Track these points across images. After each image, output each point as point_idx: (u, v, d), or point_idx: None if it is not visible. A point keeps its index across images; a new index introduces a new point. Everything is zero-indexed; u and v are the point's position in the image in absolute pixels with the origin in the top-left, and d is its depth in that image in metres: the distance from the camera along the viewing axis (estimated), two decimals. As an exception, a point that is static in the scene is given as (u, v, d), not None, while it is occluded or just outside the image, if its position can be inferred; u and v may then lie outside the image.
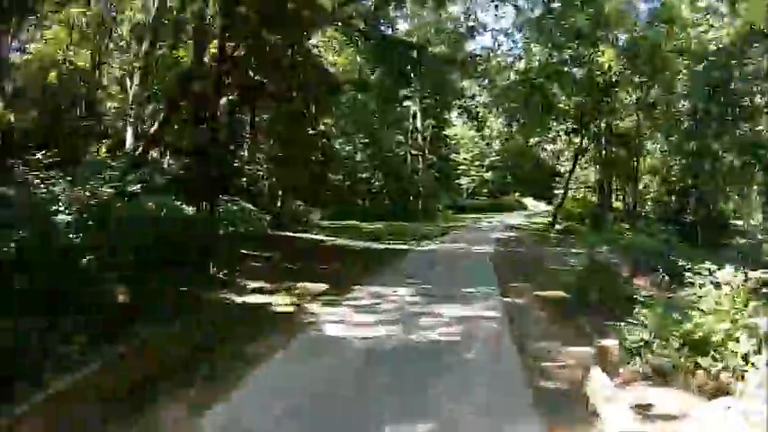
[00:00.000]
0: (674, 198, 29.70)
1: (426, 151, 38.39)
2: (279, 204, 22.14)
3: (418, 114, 37.36)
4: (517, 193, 54.82)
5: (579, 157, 28.26)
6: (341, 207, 33.32)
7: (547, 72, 25.34)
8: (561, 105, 26.49)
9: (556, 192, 76.36)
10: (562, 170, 34.66)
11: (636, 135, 26.87)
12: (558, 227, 28.51)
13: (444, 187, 50.89)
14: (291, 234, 18.84)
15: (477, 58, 40.10)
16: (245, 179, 20.35)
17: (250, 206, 19.51)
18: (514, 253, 16.33)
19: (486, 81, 38.84)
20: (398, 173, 35.56)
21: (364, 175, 35.78)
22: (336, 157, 36.16)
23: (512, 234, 23.14)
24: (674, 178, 27.76)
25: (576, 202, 34.12)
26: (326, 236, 19.43)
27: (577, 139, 28.17)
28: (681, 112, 27.07)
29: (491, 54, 36.97)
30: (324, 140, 35.37)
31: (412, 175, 36.22)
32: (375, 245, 18.07)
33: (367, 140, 34.59)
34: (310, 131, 20.42)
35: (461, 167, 58.91)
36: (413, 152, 36.55)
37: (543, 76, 25.51)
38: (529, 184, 66.13)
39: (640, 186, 33.20)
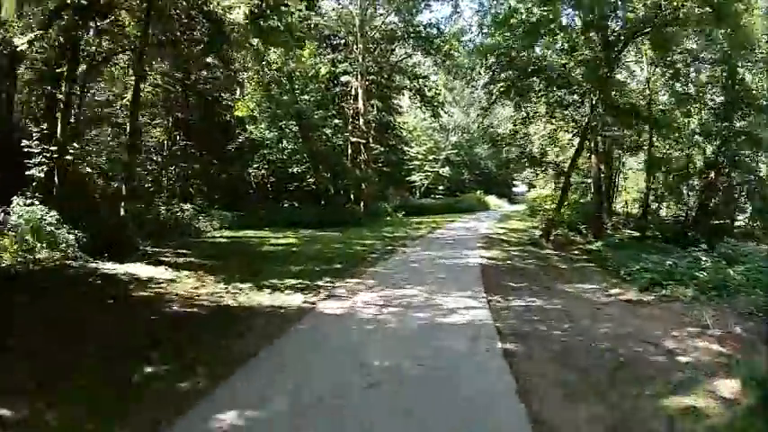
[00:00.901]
0: (691, 195, 22.88)
1: (371, 140, 30.42)
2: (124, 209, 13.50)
3: (360, 93, 29.36)
4: (479, 191, 47.57)
5: (587, 137, 20.48)
6: (257, 211, 24.93)
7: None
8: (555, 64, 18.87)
9: (515, 189, 70.50)
10: (552, 159, 27.13)
11: (648, 111, 19.72)
12: (531, 229, 21.14)
13: (394, 184, 43.10)
14: (107, 269, 10.16)
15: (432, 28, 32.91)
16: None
17: (54, 213, 10.98)
18: (540, 322, 7.51)
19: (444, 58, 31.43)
20: (335, 166, 27.44)
21: (296, 170, 27.29)
22: (251, 147, 28.07)
23: (498, 253, 14.99)
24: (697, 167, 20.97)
25: (544, 201, 27.11)
26: (170, 270, 10.72)
27: (576, 116, 20.79)
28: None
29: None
30: (227, 121, 27.18)
31: (353, 169, 28.22)
32: (232, 298, 8.69)
33: (297, 125, 26.18)
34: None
35: (414, 162, 51.46)
36: (353, 140, 28.48)
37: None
38: (489, 181, 59.43)
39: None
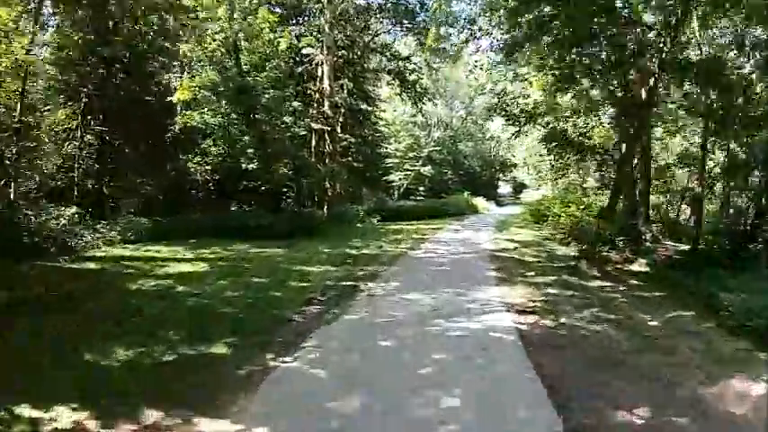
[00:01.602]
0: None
1: (338, 128, 24.65)
2: None
3: (325, 70, 23.56)
4: (466, 192, 42.08)
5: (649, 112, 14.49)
6: (190, 217, 19.00)
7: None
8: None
9: (500, 190, 65.14)
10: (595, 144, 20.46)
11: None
12: (569, 250, 15.49)
13: (369, 184, 37.35)
14: None
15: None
16: None
17: None
18: None
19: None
20: (294, 160, 21.50)
21: (250, 166, 21.25)
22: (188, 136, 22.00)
23: (530, 295, 8.78)
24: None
25: (563, 205, 21.63)
26: None
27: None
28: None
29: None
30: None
31: (314, 163, 22.34)
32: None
33: (242, 109, 20.22)
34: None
35: (392, 160, 45.79)
36: (316, 127, 22.62)
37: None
38: (474, 181, 54.00)
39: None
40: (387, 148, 45.00)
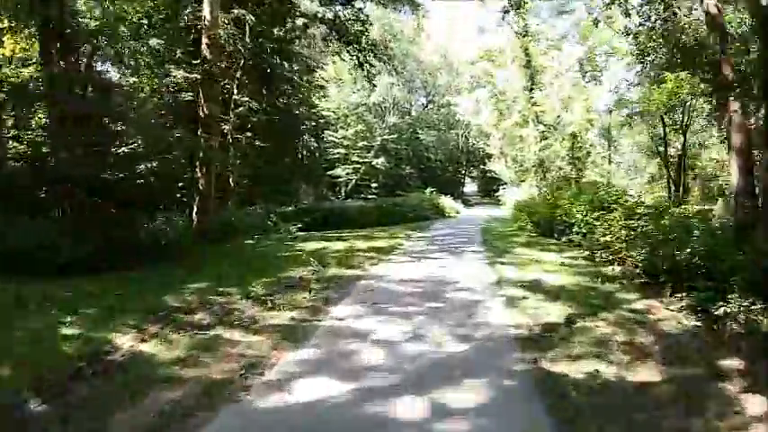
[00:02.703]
0: None
1: (236, 88, 15.15)
2: None
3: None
4: (429, 189, 33.11)
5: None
6: None
7: None
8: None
9: (466, 188, 56.37)
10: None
11: None
12: (608, 285, 6.77)
13: (305, 176, 28.04)
14: None
15: None
16: None
17: None
18: None
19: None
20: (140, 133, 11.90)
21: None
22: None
23: None
24: None
25: (591, 206, 12.90)
26: None
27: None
28: None
29: None
30: None
31: (186, 137, 12.84)
32: None
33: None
34: None
35: (338, 150, 36.62)
36: (178, 75, 13.18)
37: None
38: (436, 178, 45.27)
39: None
40: (331, 136, 36.10)
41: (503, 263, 10.17)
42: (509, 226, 19.25)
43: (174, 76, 14.27)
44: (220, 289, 7.40)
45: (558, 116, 26.47)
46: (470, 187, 56.67)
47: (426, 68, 43.91)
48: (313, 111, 26.86)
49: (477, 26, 44.17)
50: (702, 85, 13.00)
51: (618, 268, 8.99)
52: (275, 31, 18.80)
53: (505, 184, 33.38)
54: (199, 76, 13.64)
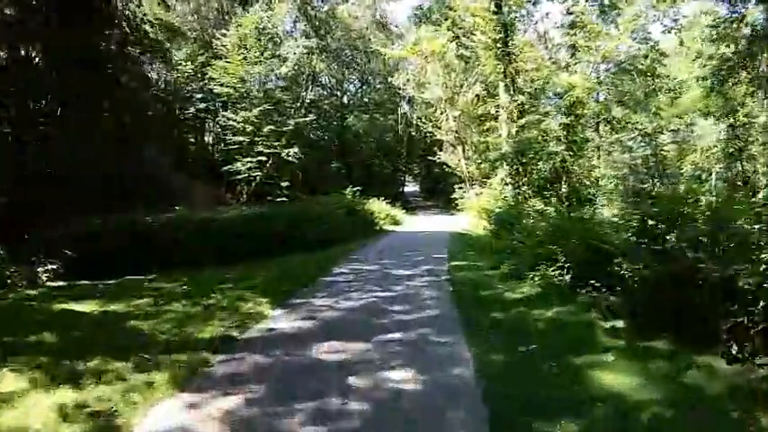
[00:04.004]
0: None
1: None
2: None
3: None
4: (352, 189, 23.14)
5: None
6: None
7: None
8: None
9: (407, 188, 45.48)
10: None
11: None
12: None
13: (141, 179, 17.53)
14: None
15: None
16: None
17: None
18: None
19: None
20: None
21: None
22: None
23: None
24: None
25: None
26: None
27: None
28: None
29: None
30: None
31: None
32: None
33: None
34: None
35: (237, 138, 26.42)
36: None
37: None
38: (369, 176, 35.68)
39: None
40: (231, 120, 26.13)
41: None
42: (489, 260, 9.97)
43: None
44: None
45: (548, 79, 17.58)
46: (411, 187, 47.53)
47: (357, 35, 34.23)
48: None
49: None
50: None
51: None
52: None
53: (462, 182, 24.20)
54: None
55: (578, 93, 16.53)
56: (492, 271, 9.14)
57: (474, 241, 13.45)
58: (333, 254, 11.57)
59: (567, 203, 15.12)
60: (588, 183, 18.09)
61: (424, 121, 27.36)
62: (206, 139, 31.36)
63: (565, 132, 16.83)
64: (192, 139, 30.78)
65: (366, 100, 36.61)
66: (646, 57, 20.95)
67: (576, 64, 17.90)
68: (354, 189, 22.26)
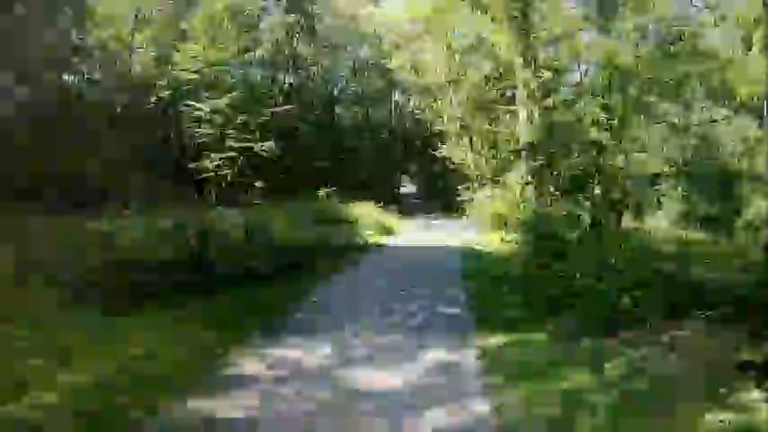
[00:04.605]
0: None
1: None
2: None
3: None
4: (323, 191, 19.18)
5: None
6: None
7: None
8: None
9: (403, 189, 40.41)
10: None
11: None
12: None
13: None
14: None
15: None
16: None
17: None
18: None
19: None
20: None
21: None
22: None
23: None
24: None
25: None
26: None
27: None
28: None
29: None
30: None
31: None
32: None
33: None
34: None
35: (204, 131, 22.54)
36: None
37: None
38: (358, 171, 31.70)
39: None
40: (197, 109, 22.32)
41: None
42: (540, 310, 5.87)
43: None
44: None
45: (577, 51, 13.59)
46: (408, 188, 43.59)
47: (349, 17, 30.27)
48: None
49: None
50: None
51: None
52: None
53: (469, 181, 20.18)
54: None
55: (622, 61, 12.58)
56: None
57: (498, 266, 9.45)
58: (232, 315, 6.87)
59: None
60: (629, 182, 14.14)
61: (421, 108, 23.33)
62: (170, 133, 27.29)
63: (606, 116, 12.87)
64: (156, 134, 26.80)
65: (358, 91, 32.71)
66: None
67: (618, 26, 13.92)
68: (325, 191, 18.27)
